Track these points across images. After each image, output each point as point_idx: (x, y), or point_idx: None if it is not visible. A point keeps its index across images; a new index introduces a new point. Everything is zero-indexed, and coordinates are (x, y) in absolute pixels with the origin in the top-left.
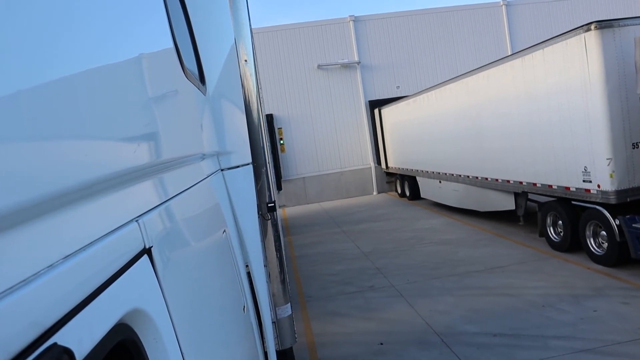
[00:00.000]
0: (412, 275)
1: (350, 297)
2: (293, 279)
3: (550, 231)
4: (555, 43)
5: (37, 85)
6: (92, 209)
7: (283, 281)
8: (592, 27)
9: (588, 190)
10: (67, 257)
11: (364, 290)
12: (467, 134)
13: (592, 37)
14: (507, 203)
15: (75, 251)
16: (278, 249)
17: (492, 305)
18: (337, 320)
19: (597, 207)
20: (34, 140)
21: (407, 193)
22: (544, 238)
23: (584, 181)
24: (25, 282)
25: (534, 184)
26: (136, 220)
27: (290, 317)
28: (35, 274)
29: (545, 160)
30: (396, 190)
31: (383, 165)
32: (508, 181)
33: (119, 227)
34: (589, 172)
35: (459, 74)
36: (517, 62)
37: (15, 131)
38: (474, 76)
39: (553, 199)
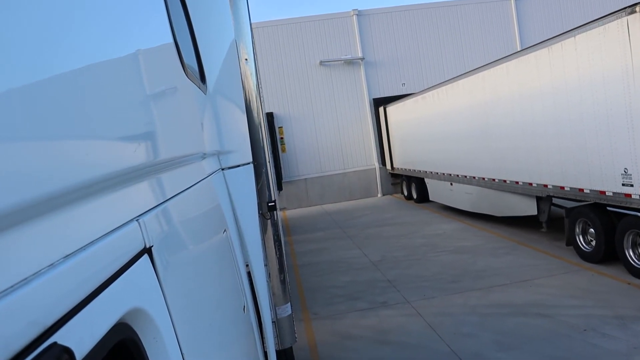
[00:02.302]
0: (429, 290)
1: (362, 315)
2: (296, 292)
3: (580, 240)
4: (590, 29)
5: (36, 83)
6: (93, 209)
7: (283, 281)
8: (637, 9)
9: (628, 195)
10: (67, 256)
11: (376, 307)
12: (482, 133)
13: (636, 21)
14: (528, 208)
15: (76, 250)
16: (278, 248)
17: (525, 327)
18: (348, 344)
19: (639, 214)
20: (33, 140)
21: (414, 195)
22: (571, 247)
23: (623, 185)
24: (26, 281)
25: (562, 188)
26: (136, 220)
27: (290, 316)
28: (36, 273)
29: (576, 160)
30: (402, 193)
31: (388, 166)
32: (530, 184)
33: (119, 226)
34: (630, 175)
35: (469, 70)
36: (542, 53)
37: (15, 131)
38: (491, 70)
39: (583, 203)
